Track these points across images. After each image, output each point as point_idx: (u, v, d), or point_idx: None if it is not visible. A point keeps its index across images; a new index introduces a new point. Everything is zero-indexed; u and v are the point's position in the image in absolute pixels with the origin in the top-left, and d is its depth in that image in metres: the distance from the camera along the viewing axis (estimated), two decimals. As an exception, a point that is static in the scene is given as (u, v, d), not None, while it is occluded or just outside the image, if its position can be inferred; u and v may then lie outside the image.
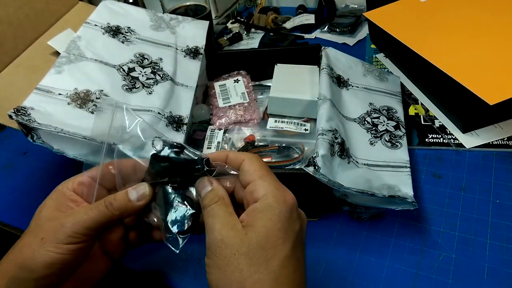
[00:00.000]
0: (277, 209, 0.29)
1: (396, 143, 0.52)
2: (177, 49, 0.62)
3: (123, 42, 0.59)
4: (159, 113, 0.52)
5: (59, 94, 0.50)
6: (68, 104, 0.49)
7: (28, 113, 0.45)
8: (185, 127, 0.54)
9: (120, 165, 0.36)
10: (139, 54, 0.58)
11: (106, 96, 0.52)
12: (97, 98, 0.51)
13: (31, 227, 0.34)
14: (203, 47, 0.63)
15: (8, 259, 0.32)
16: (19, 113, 0.44)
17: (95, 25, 0.59)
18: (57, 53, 0.59)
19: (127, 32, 0.60)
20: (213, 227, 0.30)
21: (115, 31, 0.60)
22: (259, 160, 0.33)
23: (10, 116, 0.44)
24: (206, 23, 0.67)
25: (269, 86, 0.62)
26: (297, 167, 0.52)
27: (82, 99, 0.50)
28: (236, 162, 0.34)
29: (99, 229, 0.33)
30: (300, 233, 0.30)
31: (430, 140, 0.58)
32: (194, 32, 0.65)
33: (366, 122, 0.54)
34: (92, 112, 0.49)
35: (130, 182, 0.36)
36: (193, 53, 0.63)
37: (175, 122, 0.53)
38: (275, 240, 0.28)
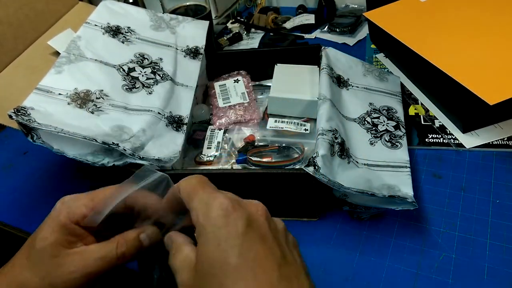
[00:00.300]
0: (208, 225, 0.26)
1: (396, 143, 0.52)
2: (177, 49, 0.62)
3: (123, 42, 0.59)
4: (159, 113, 0.52)
5: (59, 94, 0.50)
6: (68, 104, 0.49)
7: (28, 113, 0.45)
8: (185, 127, 0.54)
9: (134, 201, 0.33)
10: (139, 54, 0.58)
11: (107, 96, 0.52)
12: (97, 98, 0.51)
13: (31, 261, 0.31)
14: (203, 47, 0.64)
15: None
16: (19, 113, 0.44)
17: (95, 25, 0.59)
18: (57, 53, 0.59)
19: (127, 32, 0.60)
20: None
21: (115, 31, 0.60)
22: (189, 179, 0.30)
23: (10, 116, 0.44)
24: (206, 23, 0.67)
25: (269, 86, 0.62)
26: (297, 167, 0.52)
27: (82, 99, 0.50)
28: (176, 192, 0.30)
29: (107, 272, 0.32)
30: (251, 227, 0.25)
31: (430, 140, 0.58)
32: (194, 32, 0.65)
33: (366, 122, 0.54)
34: (92, 112, 0.49)
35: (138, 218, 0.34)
36: (193, 53, 0.63)
37: (175, 122, 0.53)
38: (218, 259, 0.24)
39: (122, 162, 0.46)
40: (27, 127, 0.44)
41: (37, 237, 0.31)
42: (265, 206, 0.28)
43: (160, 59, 0.59)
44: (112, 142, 0.45)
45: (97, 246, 0.32)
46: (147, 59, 0.58)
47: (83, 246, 0.32)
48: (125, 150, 0.45)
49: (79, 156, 0.46)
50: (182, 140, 0.52)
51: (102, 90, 0.52)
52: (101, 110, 0.50)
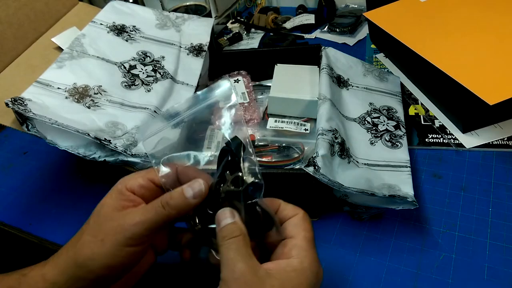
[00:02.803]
0: (310, 276, 0.30)
1: (396, 143, 0.52)
2: (180, 47, 0.62)
3: (127, 41, 0.59)
4: (155, 111, 0.52)
5: (58, 88, 0.50)
6: (66, 98, 0.49)
7: (25, 103, 0.45)
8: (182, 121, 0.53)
9: (183, 172, 0.36)
10: (141, 52, 0.58)
11: (105, 91, 0.51)
12: (95, 94, 0.51)
13: (90, 225, 0.34)
14: (207, 44, 0.63)
15: (67, 256, 0.33)
16: (16, 103, 0.45)
17: (101, 24, 0.60)
18: (59, 51, 0.59)
19: (132, 31, 0.61)
20: (234, 264, 0.29)
21: (120, 30, 0.60)
22: (310, 222, 0.34)
23: (7, 104, 0.44)
24: (211, 20, 0.67)
25: (269, 86, 0.62)
26: (297, 167, 0.52)
27: (80, 94, 0.50)
28: (286, 214, 0.35)
29: (157, 229, 0.33)
30: None
31: (430, 140, 0.58)
32: (199, 30, 0.65)
33: (366, 122, 0.54)
34: (88, 107, 0.49)
35: None
36: (196, 50, 0.63)
37: (171, 117, 0.53)
38: None
39: (113, 158, 0.46)
40: (23, 116, 0.44)
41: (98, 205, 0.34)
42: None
43: (162, 57, 0.59)
44: (104, 139, 0.45)
45: (145, 206, 0.34)
46: (149, 57, 0.58)
47: (131, 208, 0.34)
48: (116, 147, 0.45)
49: (71, 148, 0.46)
50: (178, 134, 0.51)
51: (101, 86, 0.52)
52: (97, 106, 0.50)
